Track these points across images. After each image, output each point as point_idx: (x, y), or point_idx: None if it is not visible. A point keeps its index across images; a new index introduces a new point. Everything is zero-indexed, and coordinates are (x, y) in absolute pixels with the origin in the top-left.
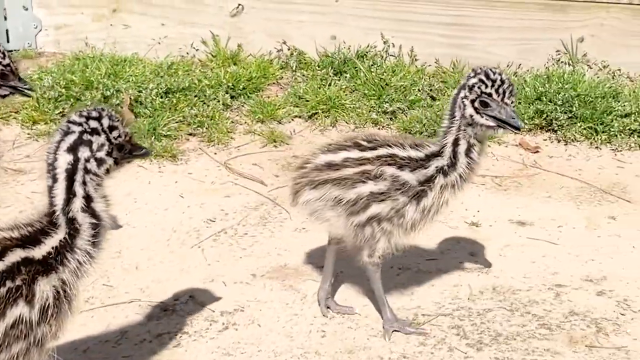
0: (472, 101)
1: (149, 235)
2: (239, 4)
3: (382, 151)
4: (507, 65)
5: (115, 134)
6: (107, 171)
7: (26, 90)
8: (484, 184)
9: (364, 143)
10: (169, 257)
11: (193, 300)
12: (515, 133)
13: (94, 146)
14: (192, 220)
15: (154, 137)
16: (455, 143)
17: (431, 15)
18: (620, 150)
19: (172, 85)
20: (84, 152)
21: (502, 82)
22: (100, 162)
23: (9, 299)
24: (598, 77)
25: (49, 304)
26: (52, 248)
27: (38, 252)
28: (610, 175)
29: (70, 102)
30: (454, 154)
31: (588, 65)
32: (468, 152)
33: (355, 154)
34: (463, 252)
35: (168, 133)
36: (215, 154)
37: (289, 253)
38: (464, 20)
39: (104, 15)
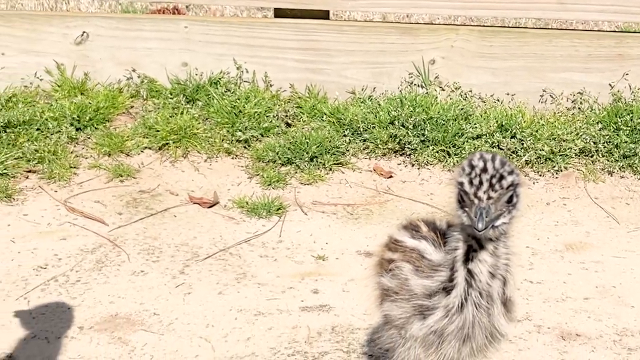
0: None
1: None
2: (84, 32)
3: None
4: (362, 89)
5: None
6: None
7: None
8: (335, 214)
9: None
10: None
11: None
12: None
13: None
14: (20, 269)
15: None
16: None
17: (284, 40)
18: None
19: (12, 119)
20: None
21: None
22: None
23: None
24: (451, 99)
25: None
26: None
27: None
28: None
29: None
30: None
31: (440, 87)
32: None
33: None
34: (306, 290)
35: (4, 171)
36: (56, 192)
37: (123, 300)
38: (316, 45)
39: None
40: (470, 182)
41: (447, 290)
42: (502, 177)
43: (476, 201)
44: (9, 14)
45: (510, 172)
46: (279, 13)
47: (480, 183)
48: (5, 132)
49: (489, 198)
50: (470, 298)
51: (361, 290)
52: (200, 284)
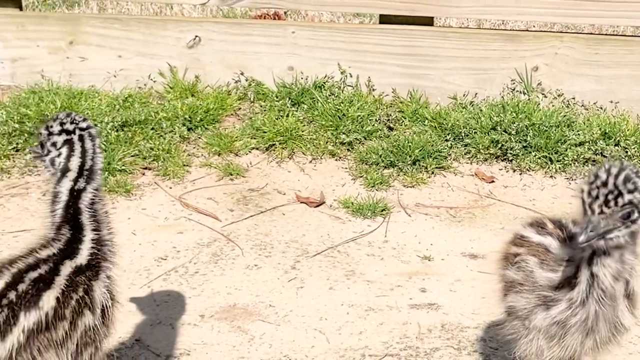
0: None
1: None
2: (196, 36)
3: None
4: (464, 95)
5: None
6: None
7: None
8: (439, 216)
9: None
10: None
11: (139, 344)
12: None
13: None
14: (142, 259)
15: (107, 172)
16: None
17: (387, 45)
18: (574, 179)
19: (129, 119)
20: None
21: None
22: None
23: (78, 309)
24: (553, 106)
25: (105, 305)
26: (90, 248)
27: (81, 259)
28: (564, 205)
29: (24, 137)
30: None
31: (543, 94)
32: None
33: None
34: (414, 288)
35: (123, 168)
36: (170, 188)
37: (239, 292)
38: (419, 51)
39: (61, 48)
40: (589, 193)
41: (571, 284)
42: (619, 195)
43: (589, 212)
44: (128, 18)
45: (633, 190)
46: (384, 19)
47: (597, 196)
48: (123, 130)
49: (601, 213)
50: (592, 296)
51: (468, 291)
52: (311, 279)
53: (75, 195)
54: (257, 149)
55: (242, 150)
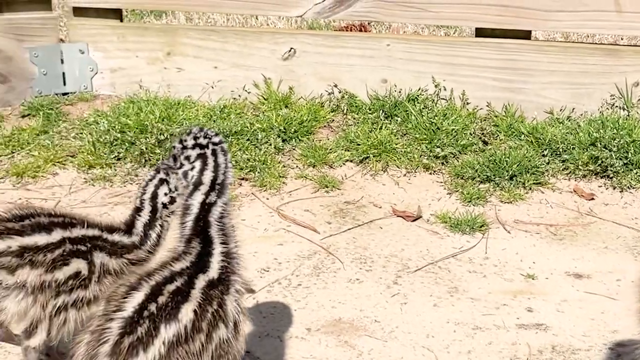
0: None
1: None
2: (291, 48)
3: None
4: (560, 110)
5: None
6: None
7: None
8: (539, 233)
9: None
10: None
11: (249, 356)
12: None
13: None
14: (246, 271)
15: None
16: None
17: (483, 59)
18: None
19: (225, 129)
20: None
21: None
22: None
23: (213, 322)
24: None
25: (238, 320)
26: (220, 262)
27: (213, 272)
28: None
29: (125, 146)
30: None
31: None
32: None
33: None
34: (520, 307)
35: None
36: (268, 199)
37: (343, 306)
38: (516, 65)
39: (158, 59)
40: None
41: None
42: None
43: None
44: (224, 30)
45: None
46: (480, 32)
47: None
48: None
49: None
50: None
51: (576, 312)
52: (414, 295)
53: (206, 208)
54: (351, 161)
55: (336, 162)
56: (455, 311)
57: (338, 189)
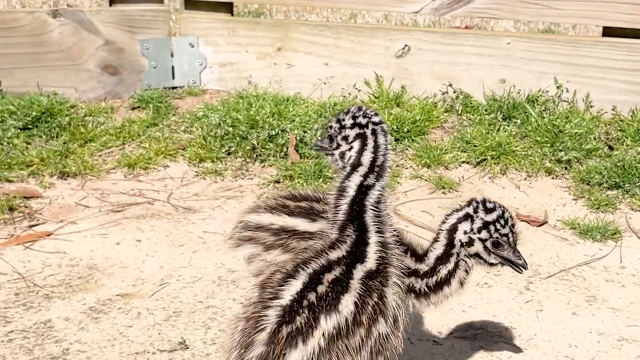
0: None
1: None
2: (406, 45)
3: None
4: None
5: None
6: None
7: (519, 267)
8: None
9: None
10: None
11: None
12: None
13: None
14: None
15: (320, 179)
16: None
17: (610, 60)
18: None
19: None
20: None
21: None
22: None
23: (374, 315)
24: None
25: (397, 314)
26: (377, 252)
27: (370, 263)
28: None
29: (236, 140)
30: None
31: None
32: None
33: None
34: None
35: (334, 175)
36: None
37: (474, 310)
38: None
39: (268, 54)
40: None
41: None
42: None
43: None
44: (337, 26)
45: None
46: (607, 32)
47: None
48: None
49: None
50: None
51: None
52: (549, 302)
53: (363, 191)
54: (467, 163)
55: (452, 163)
56: (597, 321)
57: (455, 190)
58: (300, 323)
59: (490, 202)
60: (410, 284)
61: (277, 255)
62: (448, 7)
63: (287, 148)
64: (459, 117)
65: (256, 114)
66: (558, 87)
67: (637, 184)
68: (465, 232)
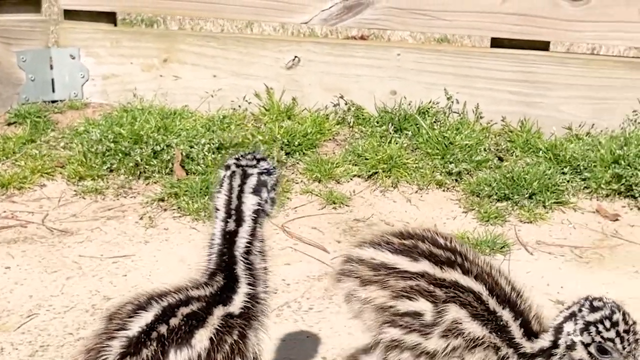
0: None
1: None
2: (295, 56)
3: None
4: (580, 125)
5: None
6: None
7: None
8: (563, 255)
9: None
10: None
11: None
12: None
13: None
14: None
15: (207, 196)
16: None
17: (498, 71)
18: None
19: (225, 141)
20: (264, 193)
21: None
22: (273, 201)
23: (231, 355)
24: None
25: (255, 357)
26: (244, 301)
27: (234, 308)
28: None
29: (118, 157)
30: None
31: None
32: None
33: None
34: None
35: None
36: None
37: (361, 333)
38: (533, 77)
39: (154, 66)
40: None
41: None
42: None
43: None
44: (225, 37)
45: None
46: (496, 43)
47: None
48: (220, 153)
49: None
50: None
51: None
52: None
53: (228, 239)
54: (359, 176)
55: (344, 177)
56: None
57: (346, 205)
58: (147, 355)
59: (599, 300)
60: (505, 353)
61: (374, 291)
62: (337, 18)
63: (173, 164)
64: (351, 129)
65: (140, 129)
66: (448, 99)
67: (526, 196)
68: (568, 334)
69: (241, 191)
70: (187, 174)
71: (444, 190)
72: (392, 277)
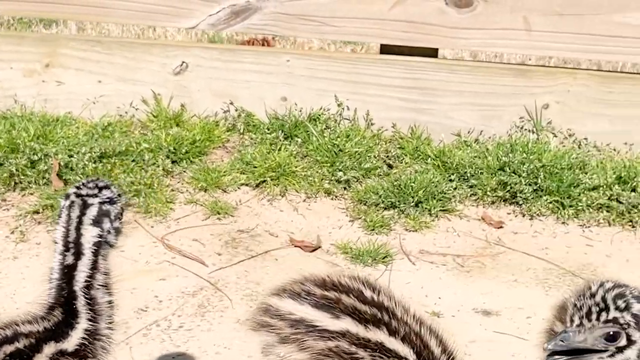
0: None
1: None
2: (183, 62)
3: None
4: (469, 132)
5: None
6: None
7: None
8: (445, 265)
9: None
10: None
11: None
12: None
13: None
14: (121, 310)
15: None
16: None
17: (388, 77)
18: (589, 227)
19: (108, 149)
20: (106, 224)
21: None
22: (117, 231)
23: None
24: (564, 146)
25: None
26: (81, 337)
27: (69, 345)
28: (579, 255)
29: None
30: None
31: (553, 133)
32: None
33: None
34: None
35: None
36: (152, 227)
37: (229, 352)
38: (423, 84)
39: (36, 71)
40: (575, 304)
41: None
42: (605, 309)
43: (567, 323)
44: (109, 41)
45: (623, 309)
46: (385, 49)
47: (581, 307)
48: (102, 162)
49: (580, 325)
50: None
51: (484, 354)
52: None
53: (66, 273)
54: (247, 185)
55: (231, 186)
56: None
57: (231, 215)
58: None
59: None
60: None
61: (292, 351)
62: (225, 23)
63: (50, 174)
64: (241, 136)
65: (18, 137)
66: (339, 105)
67: (412, 204)
68: None
69: (80, 222)
70: (65, 185)
71: (332, 199)
72: (310, 337)
